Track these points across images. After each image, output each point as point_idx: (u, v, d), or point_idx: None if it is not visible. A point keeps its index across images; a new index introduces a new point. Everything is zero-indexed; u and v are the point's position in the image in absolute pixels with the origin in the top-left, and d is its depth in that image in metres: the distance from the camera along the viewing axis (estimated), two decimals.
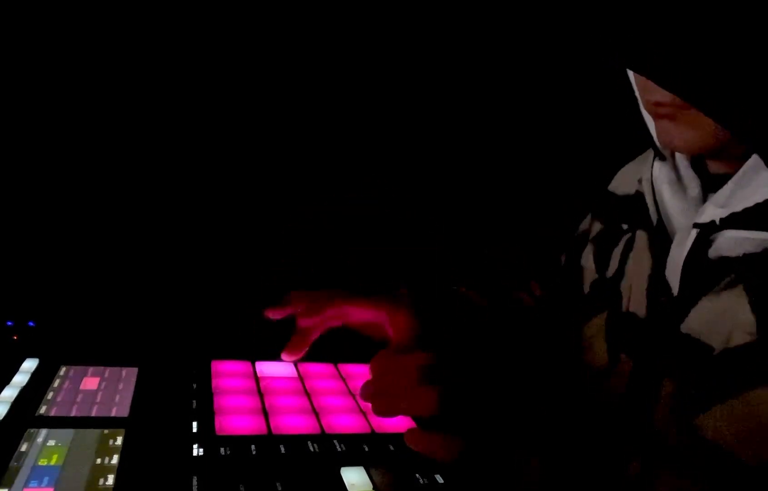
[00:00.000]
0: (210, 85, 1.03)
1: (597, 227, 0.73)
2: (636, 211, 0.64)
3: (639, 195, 0.64)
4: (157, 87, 1.01)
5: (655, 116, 0.55)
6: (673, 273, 0.56)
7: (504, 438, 0.47)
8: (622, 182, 0.72)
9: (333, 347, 0.70)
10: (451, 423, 0.48)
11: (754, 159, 0.51)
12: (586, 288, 0.71)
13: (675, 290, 0.56)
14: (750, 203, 0.50)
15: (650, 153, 0.63)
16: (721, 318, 0.51)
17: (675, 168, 0.60)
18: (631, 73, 0.59)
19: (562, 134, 1.20)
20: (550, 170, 1.22)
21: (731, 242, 0.52)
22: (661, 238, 0.59)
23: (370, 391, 0.54)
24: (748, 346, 0.48)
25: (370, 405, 0.52)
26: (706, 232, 0.53)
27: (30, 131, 0.97)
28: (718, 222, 0.52)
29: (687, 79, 0.41)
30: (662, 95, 0.52)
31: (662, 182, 0.60)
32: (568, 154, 1.20)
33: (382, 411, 0.53)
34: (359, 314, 0.68)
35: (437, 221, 1.21)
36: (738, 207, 0.51)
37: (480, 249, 1.22)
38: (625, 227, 0.67)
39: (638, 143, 0.63)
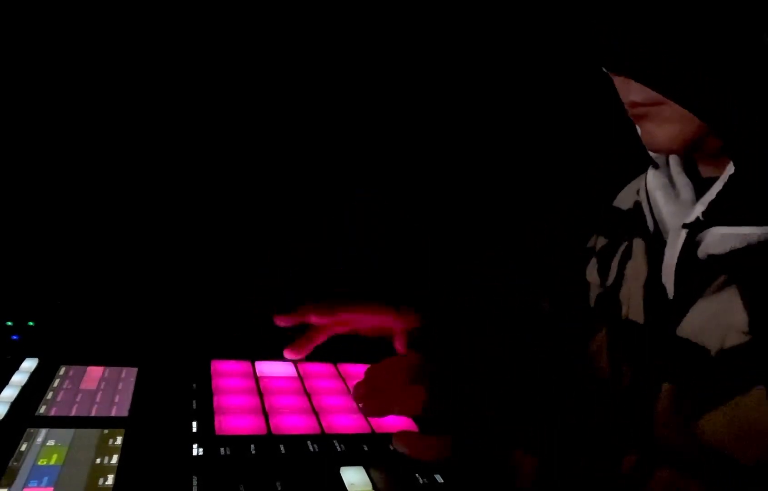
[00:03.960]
0: (209, 84, 1.03)
1: (602, 241, 0.73)
2: (635, 222, 0.65)
3: (637, 205, 0.64)
4: (157, 87, 1.01)
5: (636, 119, 0.55)
6: (668, 277, 0.56)
7: (494, 435, 0.47)
8: (626, 198, 0.72)
9: (333, 348, 0.70)
10: (439, 421, 0.49)
11: None
12: (592, 302, 0.71)
13: (670, 294, 0.56)
14: (720, 186, 0.51)
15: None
16: (715, 320, 0.51)
17: (668, 174, 0.60)
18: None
19: (571, 148, 1.20)
20: (560, 183, 1.22)
21: (717, 239, 0.52)
22: (656, 244, 0.59)
23: (361, 392, 0.55)
24: (743, 346, 0.49)
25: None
26: (694, 231, 0.54)
27: (30, 131, 0.97)
28: (702, 218, 0.53)
29: (660, 72, 0.44)
30: (636, 95, 0.52)
31: (656, 188, 0.61)
32: (578, 169, 1.20)
33: (373, 411, 0.54)
34: (370, 321, 0.68)
35: (438, 227, 1.21)
36: (713, 194, 0.52)
37: (482, 256, 1.22)
38: (624, 238, 0.68)
39: (644, 159, 0.64)
